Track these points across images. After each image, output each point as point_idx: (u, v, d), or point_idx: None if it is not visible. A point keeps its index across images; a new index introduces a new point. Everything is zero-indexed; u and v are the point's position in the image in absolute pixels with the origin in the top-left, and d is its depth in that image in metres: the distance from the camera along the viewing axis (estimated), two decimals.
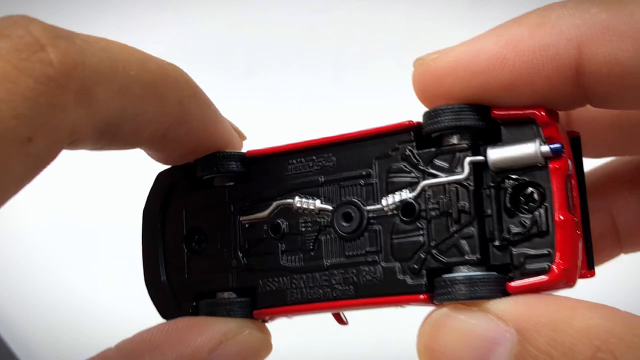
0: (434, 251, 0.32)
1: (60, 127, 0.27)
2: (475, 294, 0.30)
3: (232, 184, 0.36)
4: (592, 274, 0.33)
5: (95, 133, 0.30)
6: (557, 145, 0.30)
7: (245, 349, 0.34)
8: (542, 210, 0.30)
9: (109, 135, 0.31)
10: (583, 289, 0.31)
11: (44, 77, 0.26)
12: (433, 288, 0.31)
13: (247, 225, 0.36)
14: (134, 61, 0.30)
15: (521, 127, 0.31)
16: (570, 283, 0.30)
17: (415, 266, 0.32)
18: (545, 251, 0.30)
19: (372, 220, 0.33)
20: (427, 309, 0.31)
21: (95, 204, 0.73)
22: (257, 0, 0.77)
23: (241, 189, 0.36)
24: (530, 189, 0.31)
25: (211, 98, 0.35)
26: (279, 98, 0.77)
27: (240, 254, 0.36)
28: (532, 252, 0.30)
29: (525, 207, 0.31)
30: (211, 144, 0.35)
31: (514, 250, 0.31)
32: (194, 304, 0.36)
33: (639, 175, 0.40)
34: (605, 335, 0.27)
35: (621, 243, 0.40)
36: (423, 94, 0.32)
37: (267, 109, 0.75)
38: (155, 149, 0.35)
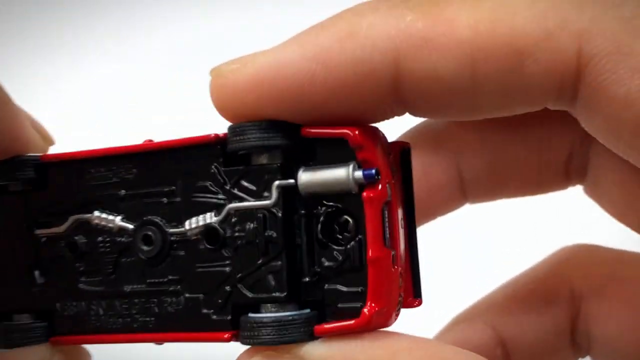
0: (239, 285, 0.28)
1: None
2: (283, 338, 0.27)
3: (30, 190, 0.32)
4: (419, 303, 0.30)
5: None
6: (370, 172, 0.26)
7: None
8: (355, 243, 0.27)
9: None
10: None
11: None
12: (239, 325, 0.28)
13: (44, 240, 0.32)
14: None
15: (335, 147, 0.27)
16: (383, 325, 0.27)
17: (220, 300, 0.29)
18: (358, 289, 0.27)
19: (175, 245, 0.30)
20: None
21: None
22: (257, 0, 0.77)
23: (39, 198, 0.32)
24: (345, 217, 0.28)
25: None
26: None
27: (37, 272, 0.32)
28: (345, 289, 0.27)
29: (340, 237, 0.28)
30: (5, 146, 0.32)
31: (327, 286, 0.28)
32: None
33: (487, 122, 0.37)
34: None
35: (466, 193, 0.38)
36: (223, 110, 0.28)
37: None
38: None
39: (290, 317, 0.27)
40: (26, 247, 0.32)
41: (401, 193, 0.29)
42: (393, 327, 0.28)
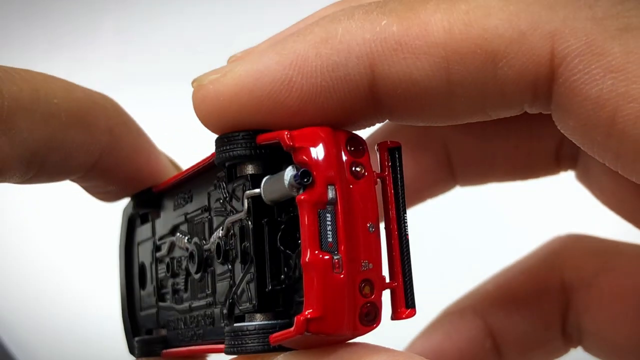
0: (235, 296, 0.28)
1: None
2: (237, 348, 0.26)
3: (158, 218, 0.35)
4: (412, 314, 0.27)
5: (21, 163, 0.29)
6: (297, 174, 0.25)
7: None
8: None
9: (37, 165, 0.30)
10: None
11: None
12: None
13: (159, 262, 0.34)
14: (58, 89, 0.30)
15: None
16: (335, 334, 0.25)
17: (226, 312, 0.29)
18: (302, 298, 0.25)
19: (208, 261, 0.30)
20: None
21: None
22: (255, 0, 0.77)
23: (159, 224, 0.34)
24: None
25: None
26: None
27: (157, 291, 0.34)
28: (298, 298, 0.26)
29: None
30: (144, 176, 0.34)
31: (290, 296, 0.27)
32: (135, 339, 0.35)
33: None
34: None
35: (455, 176, 0.38)
36: (206, 122, 0.28)
37: None
38: (87, 180, 0.33)
39: (245, 327, 0.27)
40: (153, 268, 0.34)
41: (391, 196, 0.28)
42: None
